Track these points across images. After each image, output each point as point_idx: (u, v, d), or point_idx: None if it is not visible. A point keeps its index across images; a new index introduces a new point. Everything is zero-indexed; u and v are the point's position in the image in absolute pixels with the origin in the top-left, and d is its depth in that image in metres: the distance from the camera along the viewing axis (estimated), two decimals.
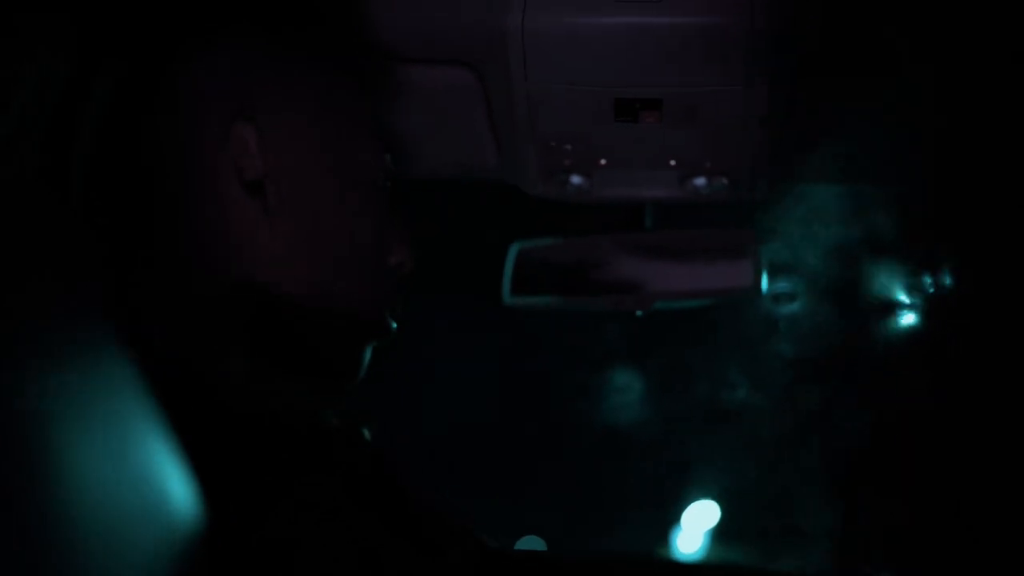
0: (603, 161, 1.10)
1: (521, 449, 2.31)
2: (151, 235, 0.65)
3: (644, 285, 1.21)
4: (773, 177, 1.16)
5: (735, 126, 1.04)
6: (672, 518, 2.30)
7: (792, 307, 2.14)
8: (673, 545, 2.28)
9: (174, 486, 0.45)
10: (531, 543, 1.92)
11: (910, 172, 1.16)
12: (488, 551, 0.96)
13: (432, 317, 2.27)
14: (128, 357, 0.44)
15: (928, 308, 2.01)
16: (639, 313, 1.23)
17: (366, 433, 0.70)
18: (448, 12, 0.95)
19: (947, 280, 1.95)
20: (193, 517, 0.45)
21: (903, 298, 2.04)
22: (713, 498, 2.29)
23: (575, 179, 1.13)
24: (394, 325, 0.79)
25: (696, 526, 2.26)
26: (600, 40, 0.95)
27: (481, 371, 2.31)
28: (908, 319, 2.04)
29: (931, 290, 1.98)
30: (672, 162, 1.10)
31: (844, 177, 1.24)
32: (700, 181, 1.12)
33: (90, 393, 0.41)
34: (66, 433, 0.38)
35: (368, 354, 0.77)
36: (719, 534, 2.27)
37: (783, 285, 2.11)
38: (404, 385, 2.27)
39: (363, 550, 0.58)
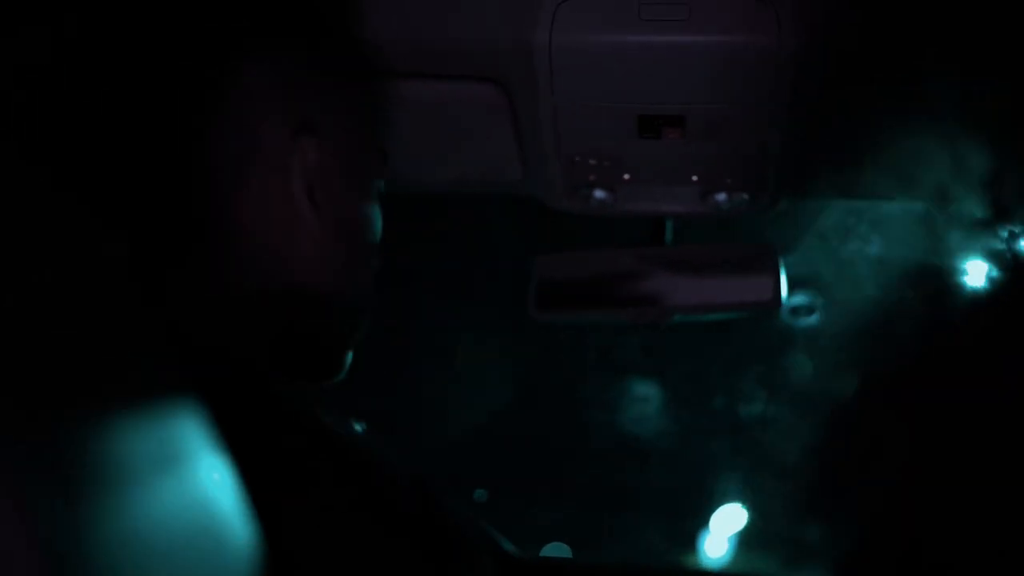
0: (626, 176, 1.09)
1: (544, 457, 2.30)
2: (199, 236, 0.64)
3: (665, 298, 1.20)
4: (793, 193, 1.15)
5: (757, 143, 1.03)
6: (691, 525, 2.28)
7: (811, 320, 2.12)
8: (698, 549, 2.26)
9: (228, 504, 0.44)
10: (557, 550, 1.91)
11: (934, 187, 1.14)
12: (510, 559, 0.95)
13: (457, 327, 2.27)
14: (174, 361, 0.44)
15: (949, 319, 1.99)
16: (660, 326, 1.22)
17: (358, 427, 0.69)
18: (477, 29, 0.95)
19: (971, 291, 1.93)
20: (250, 543, 0.45)
21: (925, 307, 2.02)
22: (729, 507, 2.27)
23: (598, 194, 1.12)
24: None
25: (723, 530, 2.25)
26: (625, 57, 0.94)
27: (505, 380, 2.31)
28: (928, 330, 2.02)
29: (955, 301, 1.96)
30: (694, 178, 1.09)
31: (864, 192, 1.22)
32: (721, 196, 1.11)
33: (143, 402, 0.40)
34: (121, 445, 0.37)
35: (351, 354, 0.76)
36: (736, 542, 2.25)
37: (802, 298, 2.10)
38: (430, 393, 2.27)
39: (385, 557, 0.58)
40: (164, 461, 0.40)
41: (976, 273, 1.93)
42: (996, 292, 1.89)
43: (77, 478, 0.34)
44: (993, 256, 1.89)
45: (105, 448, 0.36)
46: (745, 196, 1.11)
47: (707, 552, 2.25)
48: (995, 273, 1.90)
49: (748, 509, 2.26)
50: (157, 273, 0.62)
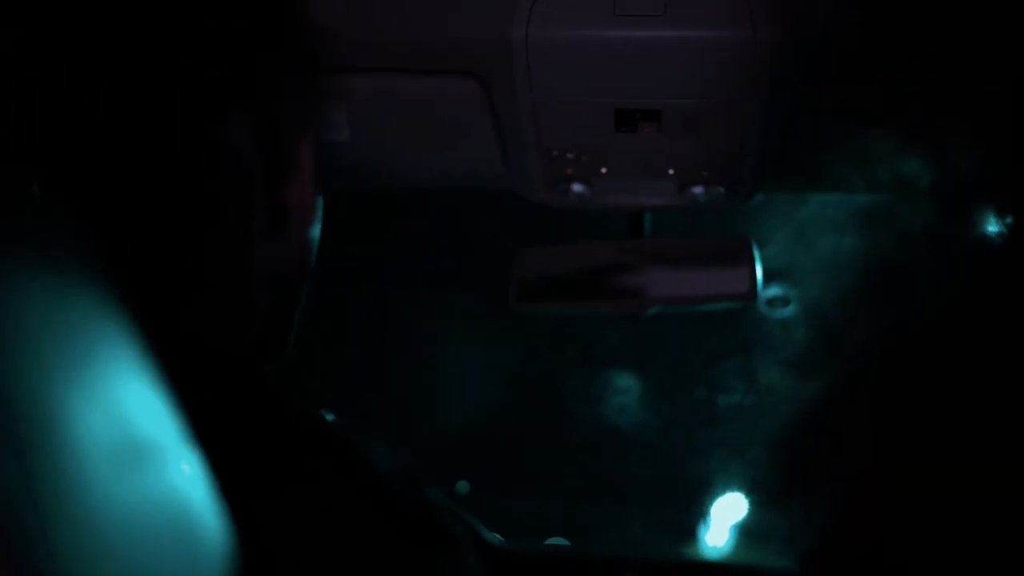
0: (604, 170, 1.10)
1: (526, 449, 2.31)
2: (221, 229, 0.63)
3: (643, 291, 1.21)
4: (770, 186, 1.16)
5: (733, 136, 1.03)
6: (671, 515, 2.29)
7: (787, 311, 2.13)
8: (679, 538, 2.27)
9: (202, 500, 0.44)
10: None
11: (910, 181, 1.15)
12: (493, 549, 0.95)
13: (438, 321, 2.27)
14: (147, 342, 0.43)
15: (922, 313, 2.00)
16: (639, 318, 1.22)
17: (328, 416, 0.69)
18: (455, 25, 0.95)
19: (946, 285, 1.95)
20: (220, 535, 0.44)
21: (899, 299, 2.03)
22: (709, 497, 2.28)
23: (577, 187, 1.12)
24: None
25: (723, 520, 2.25)
26: (602, 52, 0.95)
27: (486, 373, 2.31)
28: (903, 322, 2.04)
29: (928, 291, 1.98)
30: (671, 171, 1.10)
31: (840, 187, 1.23)
32: (698, 190, 1.12)
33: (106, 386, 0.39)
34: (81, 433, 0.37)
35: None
36: (719, 531, 2.26)
37: (778, 290, 2.11)
38: (411, 387, 2.27)
39: (370, 546, 0.58)
40: (135, 454, 0.40)
41: (950, 267, 1.94)
42: (970, 286, 1.91)
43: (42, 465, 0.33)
44: (967, 250, 1.91)
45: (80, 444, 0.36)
46: (721, 189, 1.12)
47: (713, 537, 2.25)
48: (970, 267, 1.91)
49: (726, 498, 2.27)
50: (162, 273, 0.61)
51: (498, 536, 1.17)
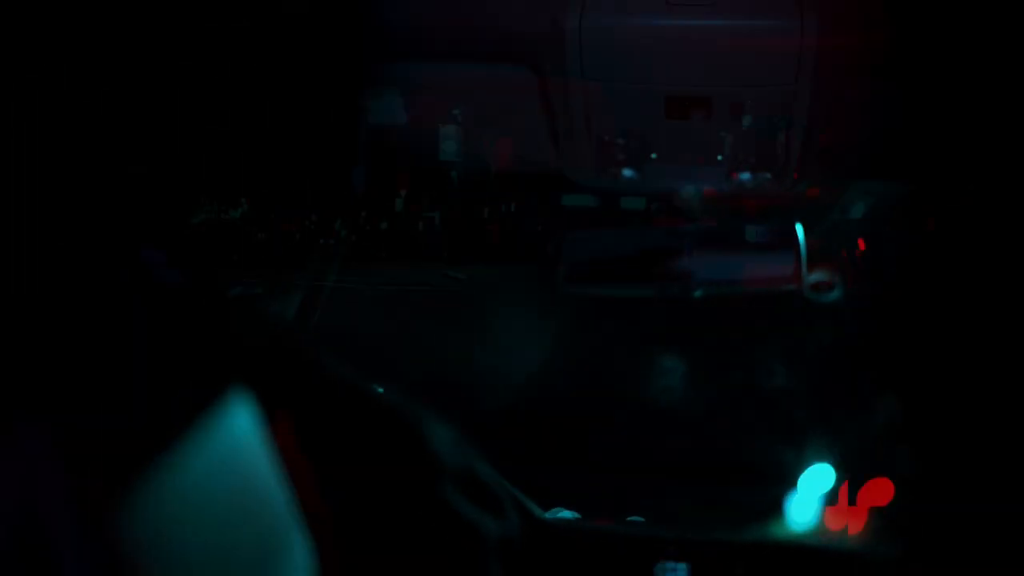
0: (654, 156, 1.10)
1: (570, 426, 2.31)
2: None
3: (689, 273, 1.21)
4: (815, 172, 1.16)
5: (780, 124, 1.04)
6: (714, 492, 2.29)
7: (831, 296, 2.12)
8: (721, 515, 2.26)
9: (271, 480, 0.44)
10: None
11: (952, 170, 1.14)
12: (536, 520, 0.97)
13: (487, 300, 2.28)
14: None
15: (969, 295, 1.98)
16: (684, 300, 1.23)
17: (380, 390, 0.70)
18: (510, 13, 0.96)
19: (976, 270, 1.92)
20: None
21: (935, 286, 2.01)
22: (751, 477, 2.27)
23: (627, 172, 1.13)
24: None
25: (765, 499, 2.23)
26: (653, 41, 0.95)
27: (533, 352, 2.32)
28: (948, 306, 2.01)
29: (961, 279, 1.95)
30: (719, 157, 1.10)
31: (884, 173, 1.22)
32: (745, 175, 1.12)
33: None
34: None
35: None
36: (758, 512, 2.25)
37: (823, 275, 2.09)
38: (457, 363, 2.28)
39: (425, 507, 0.59)
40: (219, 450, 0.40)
41: (994, 256, 1.91)
42: (1013, 276, 1.88)
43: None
44: (1011, 239, 1.88)
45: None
46: (768, 175, 1.12)
47: (801, 509, 2.23)
48: (1012, 256, 1.88)
49: (768, 478, 2.26)
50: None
51: (566, 511, 1.18)
